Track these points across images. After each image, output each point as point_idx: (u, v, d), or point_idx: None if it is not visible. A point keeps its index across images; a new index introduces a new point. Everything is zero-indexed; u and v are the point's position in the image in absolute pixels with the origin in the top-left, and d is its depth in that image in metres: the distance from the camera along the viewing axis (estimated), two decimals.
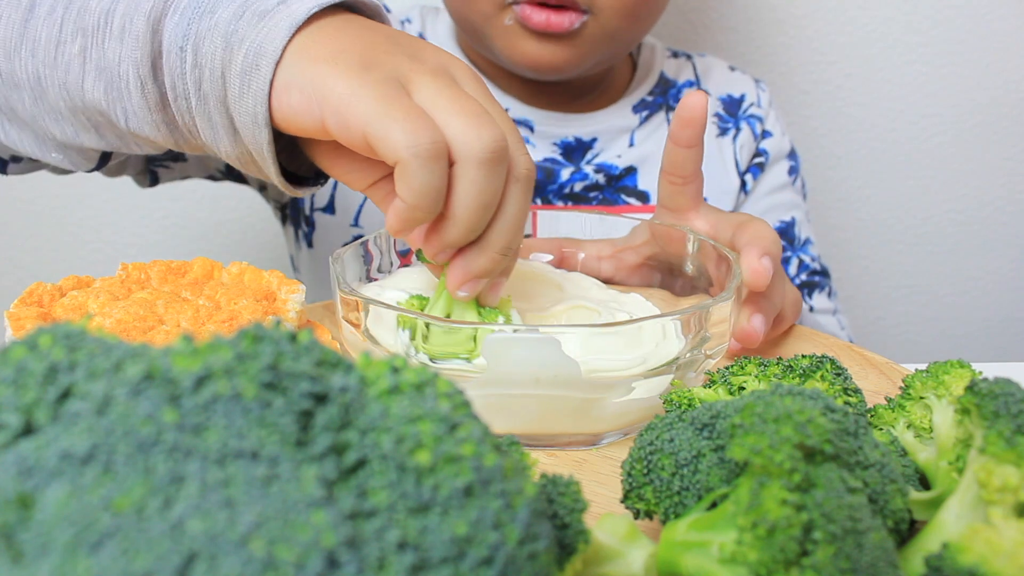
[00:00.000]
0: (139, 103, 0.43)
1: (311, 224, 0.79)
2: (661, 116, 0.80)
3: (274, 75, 0.40)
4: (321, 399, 0.21)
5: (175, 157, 0.72)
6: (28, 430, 0.20)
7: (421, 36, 0.81)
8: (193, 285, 0.47)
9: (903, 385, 0.38)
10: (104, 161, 0.52)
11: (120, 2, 0.43)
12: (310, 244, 0.80)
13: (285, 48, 0.40)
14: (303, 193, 0.48)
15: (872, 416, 0.38)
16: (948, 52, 1.07)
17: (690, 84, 0.83)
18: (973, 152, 1.12)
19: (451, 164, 0.39)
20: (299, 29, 0.40)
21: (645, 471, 0.32)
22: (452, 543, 0.20)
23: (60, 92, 0.45)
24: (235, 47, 0.40)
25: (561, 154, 0.77)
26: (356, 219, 0.78)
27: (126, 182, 1.08)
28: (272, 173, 0.44)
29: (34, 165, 0.58)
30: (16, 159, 0.57)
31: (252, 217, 1.11)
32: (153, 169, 0.71)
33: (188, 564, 0.18)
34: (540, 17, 0.65)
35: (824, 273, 0.82)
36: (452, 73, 0.42)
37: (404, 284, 0.49)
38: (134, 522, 0.18)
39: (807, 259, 0.81)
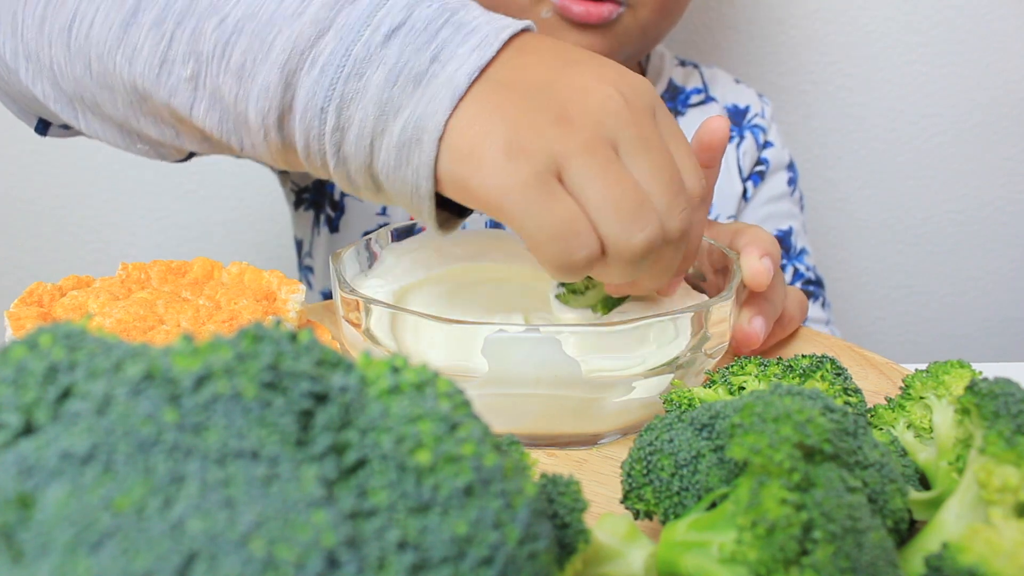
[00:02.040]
0: (260, 143, 0.41)
1: (340, 208, 0.79)
2: None
3: (438, 152, 0.37)
4: (321, 399, 0.21)
5: None
6: (28, 430, 0.20)
7: None
8: (193, 285, 0.47)
9: (903, 385, 0.38)
10: (192, 155, 0.50)
11: (242, 35, 0.39)
12: (334, 229, 0.80)
13: (447, 122, 0.37)
14: (451, 230, 0.44)
15: (872, 416, 0.38)
16: (948, 52, 1.07)
17: (697, 91, 0.84)
18: (973, 152, 1.12)
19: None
20: (461, 101, 0.37)
21: (645, 471, 0.32)
22: (452, 543, 0.20)
23: (164, 107, 0.43)
24: (390, 117, 0.38)
25: None
26: (384, 208, 0.78)
27: (126, 181, 1.08)
28: (432, 228, 0.42)
29: (76, 132, 0.55)
30: (67, 126, 0.55)
31: (252, 217, 1.11)
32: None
33: (188, 564, 0.18)
34: (580, 8, 0.66)
35: (819, 283, 0.83)
36: (607, 136, 0.38)
37: (394, 273, 0.50)
38: (134, 522, 0.18)
39: (802, 268, 0.82)
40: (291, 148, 0.41)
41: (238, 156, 0.46)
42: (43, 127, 0.56)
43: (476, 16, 0.39)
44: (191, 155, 0.50)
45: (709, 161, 0.51)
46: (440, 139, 0.37)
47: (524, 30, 0.41)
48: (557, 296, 0.49)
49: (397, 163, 0.39)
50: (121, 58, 0.43)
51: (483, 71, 0.38)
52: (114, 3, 0.43)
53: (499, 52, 0.39)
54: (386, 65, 0.38)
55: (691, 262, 0.45)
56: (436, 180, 0.38)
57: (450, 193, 0.39)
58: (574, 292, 0.49)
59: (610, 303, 0.48)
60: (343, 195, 0.79)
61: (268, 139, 0.41)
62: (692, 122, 0.82)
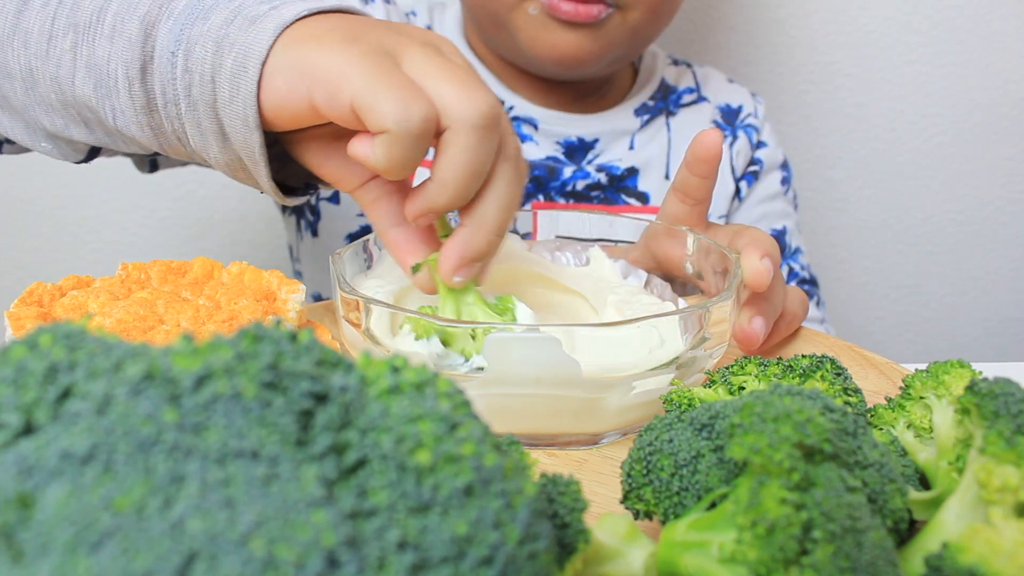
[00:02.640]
0: (126, 103, 0.43)
1: (316, 213, 0.80)
2: (661, 121, 0.82)
3: (261, 75, 0.40)
4: (321, 399, 0.21)
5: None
6: (28, 430, 0.20)
7: (429, 28, 0.81)
8: (193, 285, 0.47)
9: (903, 385, 0.38)
10: (93, 155, 0.52)
11: (113, 1, 0.43)
12: (315, 233, 0.81)
13: (271, 47, 0.40)
14: (293, 202, 0.48)
15: (872, 416, 0.38)
16: (948, 52, 1.07)
17: (690, 91, 0.84)
18: (973, 152, 1.12)
19: (439, 132, 0.39)
20: (285, 29, 0.40)
21: (644, 472, 0.32)
22: (452, 543, 0.20)
23: (51, 85, 0.45)
24: (225, 51, 0.40)
25: (564, 153, 0.78)
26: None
27: (126, 182, 1.08)
28: (263, 178, 0.43)
29: (24, 148, 0.58)
30: (9, 142, 0.57)
31: (252, 217, 1.11)
32: (153, 157, 0.71)
33: (188, 564, 0.18)
34: (568, 7, 0.66)
35: (813, 282, 0.83)
36: (440, 47, 0.42)
37: (394, 274, 0.49)
38: (134, 522, 0.18)
39: (797, 267, 0.82)
40: (153, 104, 0.43)
41: (112, 144, 0.48)
42: None
43: None
44: (91, 157, 0.52)
45: (704, 172, 0.52)
46: (263, 63, 0.40)
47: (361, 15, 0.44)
48: (416, 335, 0.43)
49: (230, 95, 0.41)
50: (18, 43, 0.46)
51: (312, 15, 0.41)
52: None
53: (331, 11, 0.42)
54: (228, 8, 0.41)
55: (492, 237, 0.41)
56: (260, 107, 0.40)
57: (279, 105, 0.40)
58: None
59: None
60: (318, 200, 0.79)
61: (133, 93, 0.43)
62: (684, 122, 0.82)
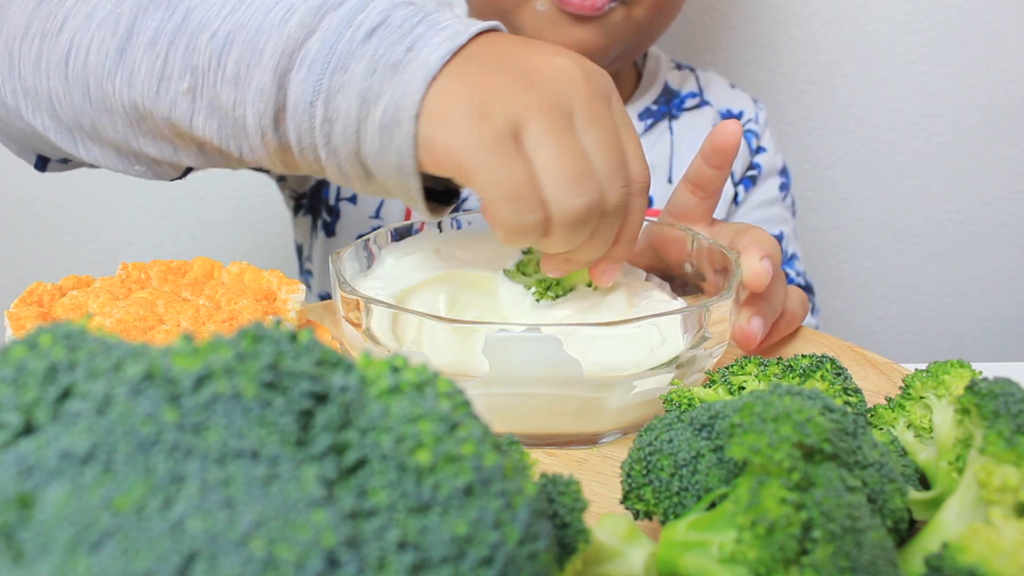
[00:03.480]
0: (257, 146, 0.43)
1: (335, 213, 0.80)
2: (664, 125, 0.82)
3: (417, 129, 0.40)
4: (321, 399, 0.21)
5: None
6: (28, 430, 0.20)
7: None
8: (193, 285, 0.47)
9: (903, 385, 0.38)
10: (188, 172, 0.53)
11: (234, 46, 0.42)
12: (331, 233, 0.81)
13: (423, 100, 0.40)
14: (441, 216, 0.48)
15: (872, 416, 0.38)
16: (948, 52, 1.07)
17: (692, 95, 0.85)
18: (973, 152, 1.12)
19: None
20: (433, 81, 0.40)
21: (644, 472, 0.32)
22: (452, 543, 0.20)
23: (164, 122, 0.45)
24: (372, 103, 0.40)
25: None
26: (377, 211, 0.79)
27: (126, 181, 1.08)
28: (421, 210, 0.44)
29: (75, 165, 0.59)
30: (65, 161, 0.57)
31: (252, 217, 1.11)
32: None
33: (188, 564, 0.18)
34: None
35: (809, 289, 0.84)
36: (565, 104, 0.41)
37: (394, 275, 0.50)
38: (134, 522, 0.18)
39: (793, 273, 0.83)
40: (287, 147, 0.44)
41: (234, 168, 0.49)
42: (42, 163, 0.58)
43: (448, 17, 0.43)
44: (186, 173, 0.52)
45: (720, 163, 0.52)
46: (417, 116, 0.40)
47: (493, 29, 0.44)
48: (505, 271, 0.50)
49: (381, 146, 0.41)
50: (120, 81, 0.45)
51: (454, 54, 0.41)
52: (108, 31, 0.45)
53: (469, 41, 0.42)
54: (366, 57, 0.41)
55: (630, 249, 0.46)
56: (417, 157, 0.41)
57: (426, 162, 0.41)
58: (523, 273, 0.50)
59: (547, 286, 0.49)
60: (338, 200, 0.80)
61: (265, 140, 0.43)
62: (687, 125, 0.82)
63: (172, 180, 0.53)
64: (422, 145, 0.40)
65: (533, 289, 0.49)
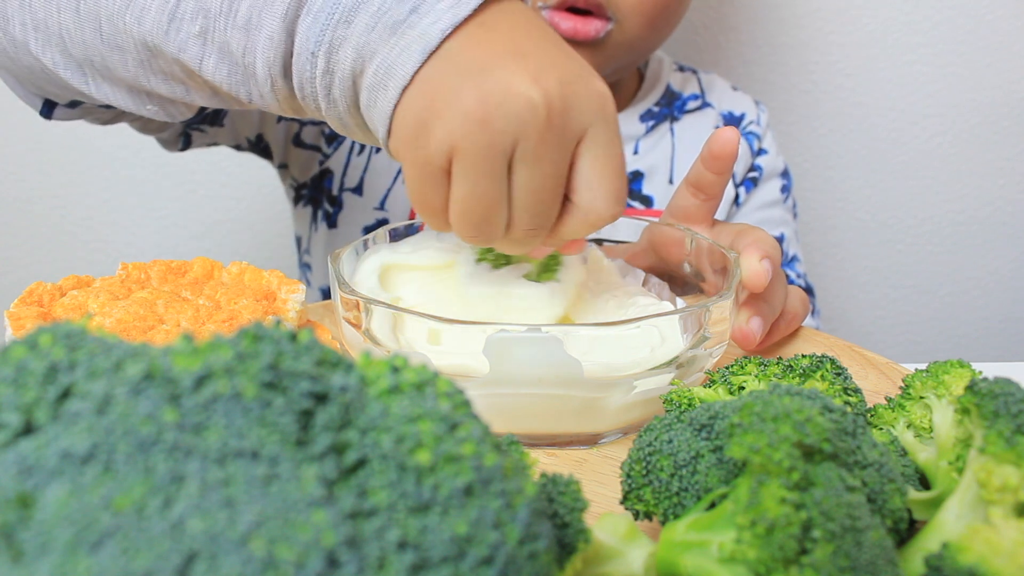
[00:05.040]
0: (267, 93, 0.44)
1: (338, 204, 0.80)
2: (665, 127, 0.82)
3: (400, 99, 0.40)
4: (321, 399, 0.21)
5: (212, 121, 0.73)
6: (28, 429, 0.20)
7: None
8: (193, 285, 0.47)
9: (903, 385, 0.38)
10: (202, 112, 0.53)
11: None
12: (332, 224, 0.81)
13: (415, 74, 0.39)
14: None
15: (872, 416, 0.38)
16: (948, 52, 1.07)
17: (695, 97, 0.85)
18: (973, 152, 1.12)
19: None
20: (430, 57, 0.39)
21: (644, 472, 0.32)
22: (452, 542, 0.20)
23: (174, 63, 0.45)
24: (367, 60, 0.40)
25: None
26: (382, 203, 0.79)
27: (125, 181, 1.08)
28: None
29: (80, 114, 0.58)
30: (73, 104, 0.57)
31: (252, 217, 1.11)
32: (188, 132, 0.72)
33: (188, 564, 0.18)
34: (568, 24, 0.67)
35: (809, 291, 0.84)
36: (504, 144, 0.39)
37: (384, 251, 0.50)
38: (134, 521, 0.18)
39: (793, 275, 0.83)
40: (293, 94, 0.44)
41: (245, 108, 0.48)
42: (48, 109, 0.57)
43: None
44: (201, 112, 0.52)
45: (719, 169, 0.52)
46: (405, 88, 0.40)
47: None
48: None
49: (368, 104, 0.41)
50: (131, 18, 0.45)
51: (456, 28, 0.40)
52: None
53: (473, 13, 0.40)
54: (369, 12, 0.40)
55: (581, 244, 0.47)
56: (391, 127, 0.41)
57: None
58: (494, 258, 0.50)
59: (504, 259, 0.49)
60: (341, 191, 0.80)
61: (275, 87, 0.43)
62: (688, 127, 0.83)
63: (185, 121, 0.53)
64: (405, 115, 0.40)
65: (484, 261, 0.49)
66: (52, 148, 1.06)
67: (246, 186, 1.09)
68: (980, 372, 0.35)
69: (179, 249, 1.11)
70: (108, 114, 0.59)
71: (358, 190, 0.79)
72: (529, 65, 0.39)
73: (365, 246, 0.51)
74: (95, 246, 1.10)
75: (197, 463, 0.19)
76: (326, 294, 0.85)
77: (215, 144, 0.76)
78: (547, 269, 0.48)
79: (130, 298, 0.44)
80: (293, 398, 0.21)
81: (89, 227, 1.10)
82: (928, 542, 0.30)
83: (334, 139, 0.79)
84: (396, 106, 0.40)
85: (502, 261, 0.48)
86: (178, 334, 0.28)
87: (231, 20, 0.42)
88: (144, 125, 0.65)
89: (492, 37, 0.40)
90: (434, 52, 0.39)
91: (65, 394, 0.21)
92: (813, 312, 0.83)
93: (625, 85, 0.83)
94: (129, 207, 1.09)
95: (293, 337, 0.22)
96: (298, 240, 0.87)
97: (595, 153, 0.41)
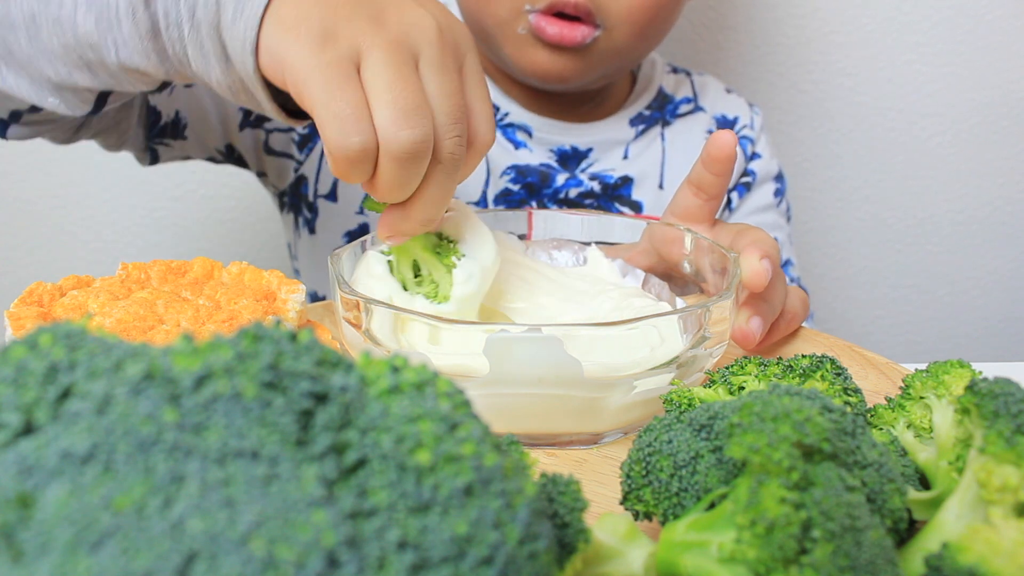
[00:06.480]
0: (130, 32, 0.44)
1: (314, 210, 0.80)
2: (656, 131, 0.82)
3: (268, 5, 0.40)
4: (321, 399, 0.21)
5: (175, 135, 0.72)
6: (28, 429, 0.20)
7: None
8: (193, 285, 0.47)
9: (903, 385, 0.38)
10: (100, 104, 0.53)
11: None
12: (312, 230, 0.81)
13: None
14: (299, 124, 0.48)
15: (872, 416, 0.38)
16: (948, 52, 1.07)
17: (687, 101, 0.84)
18: (973, 152, 1.12)
19: None
20: None
21: (644, 472, 0.32)
22: (452, 542, 0.20)
23: (53, 29, 0.46)
24: None
25: (557, 161, 0.78)
26: (362, 208, 0.78)
27: (125, 181, 1.08)
28: (263, 100, 0.44)
29: (33, 131, 0.59)
30: (15, 117, 0.58)
31: (252, 216, 1.11)
32: (153, 147, 0.71)
33: (188, 563, 0.18)
34: (554, 30, 0.66)
35: None
36: (411, 44, 0.41)
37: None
38: (134, 521, 0.18)
39: (787, 279, 0.82)
40: (157, 28, 0.44)
41: (119, 91, 0.49)
42: (2, 127, 0.59)
43: None
44: (98, 104, 0.53)
45: (719, 171, 0.53)
46: (268, 5, 0.40)
47: None
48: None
49: (234, 17, 0.41)
50: None
51: None
52: None
53: None
54: None
55: (436, 210, 0.45)
56: (258, 43, 0.41)
57: (264, 63, 0.41)
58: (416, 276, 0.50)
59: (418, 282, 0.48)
60: (316, 197, 0.79)
61: (137, 20, 0.43)
62: (679, 132, 0.82)
63: (86, 116, 0.53)
64: (263, 49, 0.41)
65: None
66: (52, 148, 1.06)
67: (246, 186, 1.09)
68: (980, 372, 0.35)
69: (179, 249, 1.11)
70: (63, 131, 0.60)
71: (331, 196, 0.79)
72: None
73: (364, 247, 0.51)
74: (95, 246, 1.10)
75: (197, 463, 0.19)
76: (315, 299, 0.85)
77: (188, 158, 0.76)
78: (445, 253, 0.48)
79: (130, 298, 0.44)
80: (293, 398, 0.21)
81: (89, 227, 1.10)
82: (928, 542, 0.30)
83: (305, 144, 0.79)
84: (265, 9, 0.40)
85: (431, 289, 0.48)
86: (178, 334, 0.28)
87: None
88: (106, 141, 0.65)
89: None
90: None
91: (65, 394, 0.21)
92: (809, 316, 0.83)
93: (616, 88, 0.82)
94: (129, 207, 1.09)
95: (293, 337, 0.22)
96: (289, 246, 0.88)
97: (475, 80, 0.44)
